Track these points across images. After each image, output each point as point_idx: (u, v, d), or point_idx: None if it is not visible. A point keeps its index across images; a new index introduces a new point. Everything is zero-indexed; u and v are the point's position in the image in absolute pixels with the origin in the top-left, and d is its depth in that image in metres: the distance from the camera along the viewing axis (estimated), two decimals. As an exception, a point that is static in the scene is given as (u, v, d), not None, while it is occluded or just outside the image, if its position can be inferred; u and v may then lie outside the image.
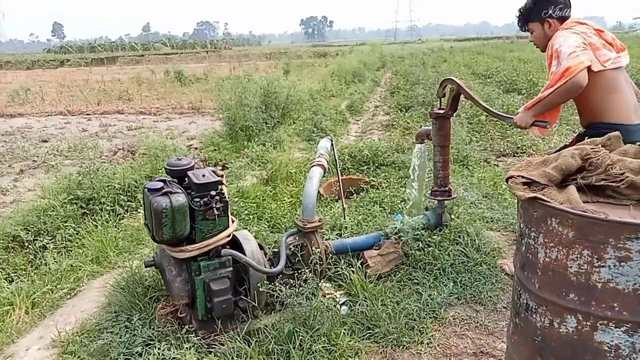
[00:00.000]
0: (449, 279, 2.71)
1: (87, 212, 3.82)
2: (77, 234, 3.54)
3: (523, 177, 1.67)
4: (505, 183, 1.82)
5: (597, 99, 2.31)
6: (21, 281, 2.83)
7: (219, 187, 2.22)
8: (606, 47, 2.34)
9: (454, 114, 2.95)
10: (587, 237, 1.40)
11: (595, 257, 1.39)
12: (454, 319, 2.45)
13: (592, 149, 1.63)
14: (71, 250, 3.32)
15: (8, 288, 2.74)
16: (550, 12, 2.42)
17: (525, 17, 2.55)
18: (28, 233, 3.38)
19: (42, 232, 3.43)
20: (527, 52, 21.83)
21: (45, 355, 2.26)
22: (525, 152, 5.46)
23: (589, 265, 1.42)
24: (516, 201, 1.84)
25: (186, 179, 2.30)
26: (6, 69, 31.62)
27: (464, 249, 2.87)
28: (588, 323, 1.46)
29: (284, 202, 4.07)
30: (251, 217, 3.71)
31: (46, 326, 2.47)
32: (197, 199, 2.16)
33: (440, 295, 2.57)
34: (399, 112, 8.44)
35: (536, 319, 1.60)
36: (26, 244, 3.33)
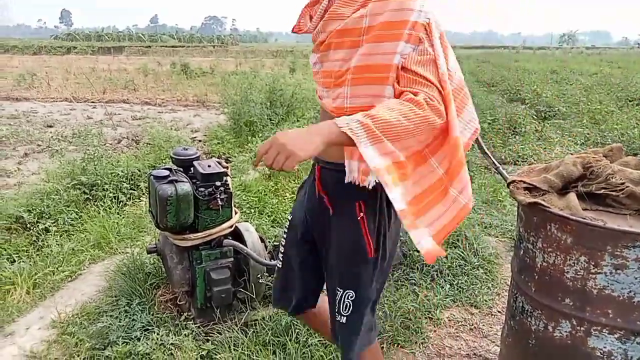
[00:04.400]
0: (445, 281, 2.74)
1: (90, 197, 3.85)
2: (79, 218, 3.57)
3: (524, 182, 1.70)
4: (507, 188, 1.85)
5: None
6: (23, 262, 2.86)
7: (224, 178, 2.26)
8: None
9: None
10: (584, 243, 1.44)
11: (592, 263, 1.43)
12: (449, 320, 2.48)
13: (593, 158, 1.66)
14: (73, 235, 3.35)
15: (10, 268, 2.77)
16: None
17: None
18: (31, 215, 3.41)
19: (45, 215, 3.46)
20: (532, 63, 21.87)
21: (45, 335, 2.29)
22: (526, 160, 5.49)
23: (585, 272, 1.45)
24: (516, 207, 1.87)
25: (192, 168, 2.33)
26: (12, 53, 31.63)
27: (462, 252, 2.90)
28: (582, 328, 1.49)
29: (285, 197, 4.10)
30: (253, 210, 3.74)
31: (47, 307, 2.50)
32: (202, 189, 2.19)
33: (437, 296, 2.61)
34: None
35: (531, 322, 1.64)
36: (29, 226, 3.36)
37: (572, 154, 2.31)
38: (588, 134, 6.82)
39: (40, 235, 3.29)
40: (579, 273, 1.47)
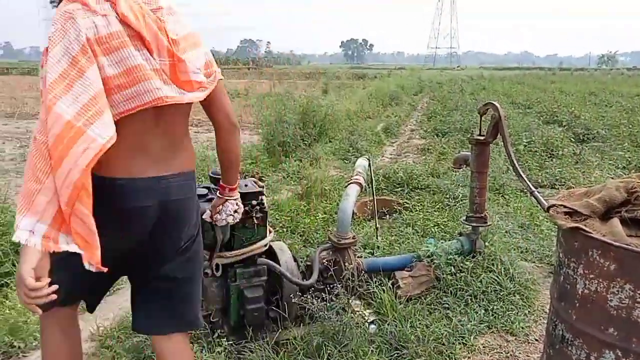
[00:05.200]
0: (480, 306, 2.68)
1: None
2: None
3: (565, 206, 1.67)
4: (546, 212, 1.81)
5: None
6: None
7: (260, 197, 2.30)
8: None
9: (494, 141, 2.95)
10: (629, 271, 1.39)
11: (638, 292, 1.38)
12: (483, 347, 2.42)
13: (638, 182, 1.62)
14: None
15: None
16: None
17: None
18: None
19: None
20: (569, 84, 21.41)
21: (84, 347, 2.35)
22: (564, 184, 5.35)
23: (630, 300, 1.40)
24: (554, 232, 1.83)
25: (229, 187, 2.38)
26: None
27: (497, 277, 2.83)
28: (628, 360, 1.43)
29: (317, 217, 4.12)
30: (285, 229, 3.78)
31: (86, 320, 2.56)
32: (239, 208, 2.23)
33: (471, 322, 2.55)
34: (435, 136, 8.42)
35: (572, 351, 1.58)
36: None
37: (612, 178, 2.24)
38: (629, 157, 6.59)
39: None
40: (623, 302, 1.42)
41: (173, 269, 1.54)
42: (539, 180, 5.54)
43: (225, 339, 2.23)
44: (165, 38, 1.35)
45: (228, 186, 1.79)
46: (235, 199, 1.83)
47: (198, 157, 5.35)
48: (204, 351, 2.12)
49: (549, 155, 6.58)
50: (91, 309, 1.69)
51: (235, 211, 1.83)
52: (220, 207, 1.83)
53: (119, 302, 2.77)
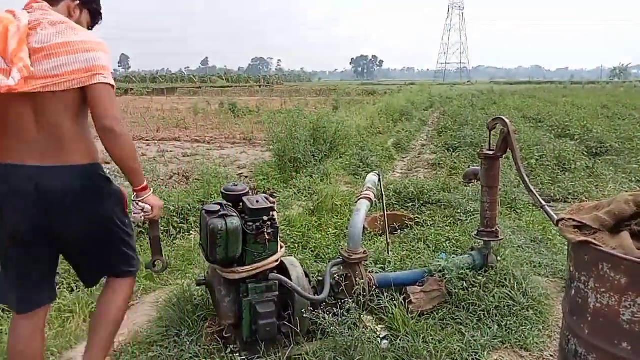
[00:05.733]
0: (493, 321, 2.66)
1: (143, 231, 4.04)
2: (132, 250, 3.74)
3: (574, 220, 1.68)
4: (556, 226, 1.82)
5: None
6: (80, 291, 3.02)
7: (271, 213, 2.33)
8: None
9: (504, 156, 2.96)
10: (641, 284, 1.39)
11: (650, 305, 1.38)
12: (497, 363, 2.40)
13: (647, 196, 1.62)
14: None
15: (69, 297, 2.93)
16: None
17: None
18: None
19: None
20: (581, 98, 21.28)
21: (100, 363, 2.39)
22: (577, 198, 5.30)
23: (642, 314, 1.40)
24: (566, 246, 1.82)
25: (241, 203, 2.43)
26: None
27: (510, 292, 2.81)
28: (641, 374, 1.42)
29: (328, 233, 4.14)
30: (296, 245, 3.80)
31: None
32: (250, 223, 2.27)
33: (484, 337, 2.53)
34: (446, 151, 8.42)
35: (585, 366, 1.57)
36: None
37: (626, 191, 2.23)
38: (644, 170, 6.52)
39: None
40: (636, 316, 1.42)
41: (83, 249, 1.97)
42: (552, 195, 5.50)
43: (238, 354, 2.24)
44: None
45: (134, 188, 1.98)
46: (141, 199, 2.00)
47: (210, 174, 5.42)
48: (217, 366, 2.13)
49: (562, 169, 6.54)
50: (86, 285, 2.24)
51: (142, 209, 2.01)
52: (131, 206, 2.04)
53: (133, 317, 2.81)
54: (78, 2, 1.95)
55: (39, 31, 1.73)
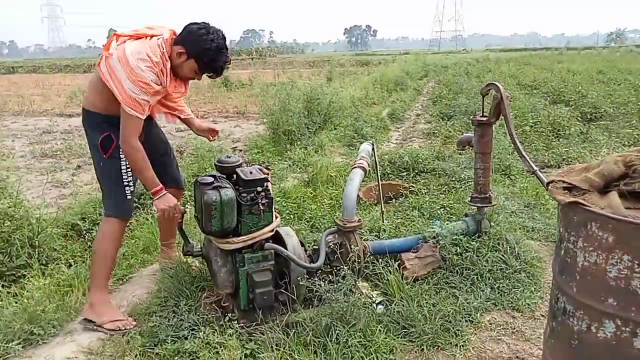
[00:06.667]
0: (486, 284, 2.72)
1: (139, 205, 4.05)
2: (128, 225, 3.76)
3: (564, 182, 1.69)
4: (546, 189, 1.83)
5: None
6: (79, 266, 3.04)
7: (265, 184, 2.34)
8: None
9: (497, 122, 2.96)
10: (628, 242, 1.42)
11: (636, 262, 1.40)
12: (490, 323, 2.46)
13: (636, 156, 1.63)
14: (124, 240, 3.52)
15: (67, 272, 2.95)
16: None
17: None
18: (85, 222, 3.63)
19: (98, 222, 3.66)
20: (576, 64, 21.11)
21: (100, 334, 2.44)
22: (570, 163, 5.33)
23: (629, 271, 1.43)
24: (557, 209, 1.85)
25: (234, 175, 2.43)
26: (65, 72, 33.51)
27: (502, 256, 2.86)
28: (627, 329, 1.46)
29: (323, 203, 4.16)
30: (292, 216, 3.83)
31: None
32: (244, 194, 2.28)
33: (477, 299, 2.59)
34: (441, 120, 8.40)
35: (573, 323, 1.61)
36: (83, 233, 3.57)
37: (616, 154, 2.24)
38: (638, 135, 6.54)
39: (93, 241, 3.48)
40: (622, 272, 1.44)
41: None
42: (546, 161, 5.53)
43: (236, 322, 2.29)
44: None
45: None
46: (153, 201, 2.48)
47: (204, 148, 5.41)
48: (215, 334, 2.18)
49: (556, 136, 6.55)
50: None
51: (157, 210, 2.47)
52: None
53: (132, 289, 2.85)
54: None
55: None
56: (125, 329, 2.41)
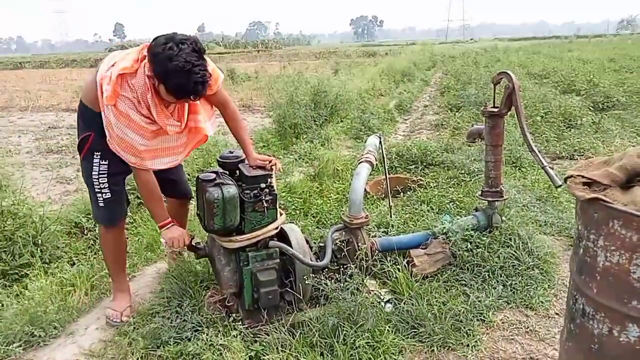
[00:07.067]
0: (498, 281, 2.63)
1: (143, 202, 4.00)
2: (133, 222, 3.72)
3: (583, 176, 1.60)
4: (556, 187, 1.74)
5: None
6: (82, 264, 3.00)
7: (269, 180, 2.27)
8: None
9: (508, 113, 2.85)
10: (653, 241, 1.33)
11: (662, 262, 1.32)
12: (502, 322, 2.38)
13: (661, 148, 1.54)
14: (127, 238, 3.48)
15: (70, 270, 2.91)
16: None
17: None
18: (88, 220, 3.58)
19: (102, 219, 3.62)
20: (587, 52, 20.76)
21: (102, 335, 2.39)
22: (582, 154, 5.20)
23: (654, 271, 1.34)
24: (574, 203, 1.76)
25: (237, 171, 2.36)
26: (72, 67, 33.59)
27: (515, 251, 2.77)
28: (652, 333, 1.38)
29: (330, 198, 4.09)
30: (298, 212, 3.76)
31: (103, 308, 2.61)
32: (248, 191, 2.21)
33: (489, 297, 2.51)
34: (449, 111, 8.26)
35: (593, 325, 1.53)
36: (86, 231, 3.53)
37: (634, 146, 2.13)
38: (652, 124, 6.38)
39: (97, 239, 3.43)
40: (647, 273, 1.36)
41: None
42: (558, 152, 5.40)
43: (240, 323, 2.23)
44: None
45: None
46: (165, 230, 2.34)
47: (209, 142, 5.35)
48: (219, 335, 2.12)
49: (567, 126, 6.40)
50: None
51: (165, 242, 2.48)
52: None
53: (134, 288, 2.79)
54: None
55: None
56: (114, 320, 2.44)
